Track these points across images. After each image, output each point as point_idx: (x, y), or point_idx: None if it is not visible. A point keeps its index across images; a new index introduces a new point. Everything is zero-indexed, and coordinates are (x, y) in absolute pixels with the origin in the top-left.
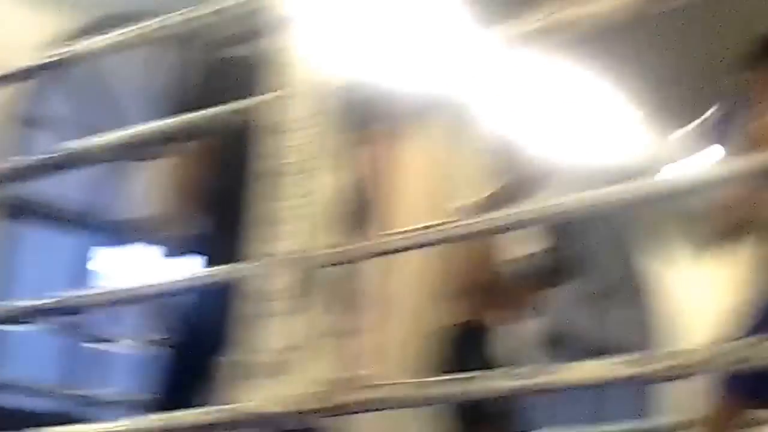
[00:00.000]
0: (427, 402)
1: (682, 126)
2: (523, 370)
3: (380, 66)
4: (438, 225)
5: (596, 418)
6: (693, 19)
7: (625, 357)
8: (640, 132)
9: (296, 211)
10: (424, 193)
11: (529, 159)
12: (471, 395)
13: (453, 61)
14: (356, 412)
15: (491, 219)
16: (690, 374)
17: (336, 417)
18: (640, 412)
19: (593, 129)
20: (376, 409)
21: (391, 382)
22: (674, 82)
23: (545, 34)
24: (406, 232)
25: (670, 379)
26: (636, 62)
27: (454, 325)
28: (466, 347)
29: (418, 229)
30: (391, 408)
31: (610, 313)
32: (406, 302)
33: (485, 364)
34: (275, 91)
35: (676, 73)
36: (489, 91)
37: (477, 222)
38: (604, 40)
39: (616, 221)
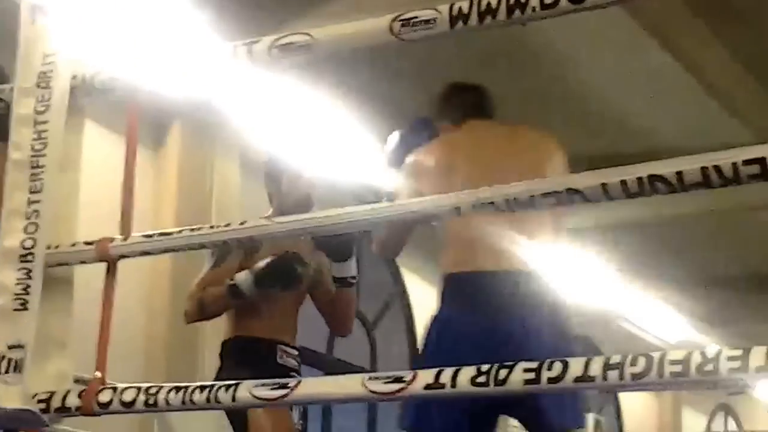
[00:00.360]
0: (155, 408)
1: None
2: (271, 381)
3: (123, 65)
4: (167, 233)
5: (371, 430)
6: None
7: (378, 374)
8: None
9: (26, 207)
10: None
11: (289, 177)
12: (204, 405)
13: (196, 69)
14: (85, 414)
15: (220, 231)
16: (442, 396)
17: (64, 417)
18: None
19: (337, 150)
20: (105, 413)
21: (119, 385)
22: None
23: (284, 54)
24: (134, 237)
25: (427, 398)
26: (376, 89)
27: (229, 338)
28: (239, 360)
29: (147, 235)
30: (118, 412)
31: (376, 330)
32: (137, 308)
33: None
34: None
35: (415, 103)
36: (236, 105)
37: (205, 233)
38: (345, 65)
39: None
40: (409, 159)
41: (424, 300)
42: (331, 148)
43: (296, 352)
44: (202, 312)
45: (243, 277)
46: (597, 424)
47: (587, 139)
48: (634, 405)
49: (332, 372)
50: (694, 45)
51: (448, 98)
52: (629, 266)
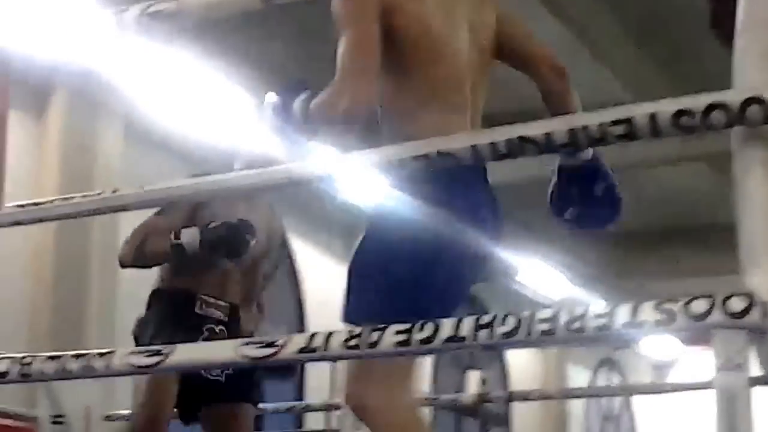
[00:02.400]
0: (30, 379)
1: None
2: (145, 349)
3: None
4: (40, 203)
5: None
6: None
7: (251, 339)
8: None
9: None
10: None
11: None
12: (80, 373)
13: (69, 36)
14: None
15: (100, 198)
16: (315, 359)
17: None
18: (296, 393)
19: (213, 113)
20: None
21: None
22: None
23: (153, 21)
24: (6, 207)
25: (300, 361)
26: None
27: (155, 289)
28: (158, 309)
29: (20, 205)
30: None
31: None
32: (20, 279)
33: (178, 325)
34: None
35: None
36: (118, 73)
37: (78, 202)
38: (219, 29)
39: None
40: None
41: (312, 264)
42: (212, 111)
43: (222, 303)
44: (138, 260)
45: (189, 239)
46: (483, 381)
47: None
48: (520, 361)
49: None
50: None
51: None
52: (514, 225)
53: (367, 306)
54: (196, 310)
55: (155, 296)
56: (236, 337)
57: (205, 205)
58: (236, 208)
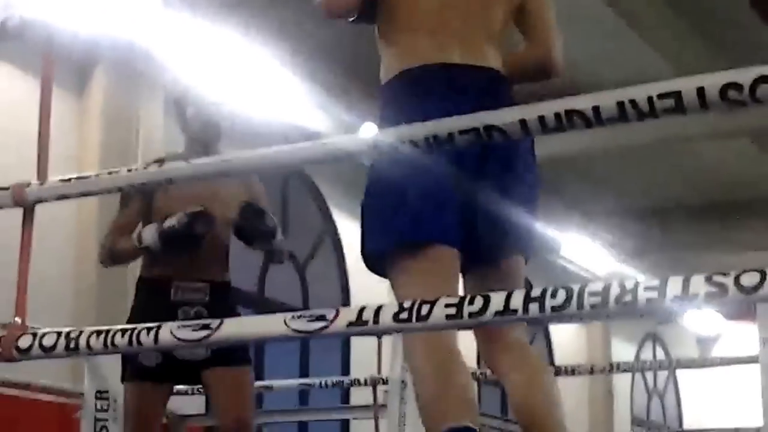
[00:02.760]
0: (77, 353)
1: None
2: (194, 323)
3: None
4: (84, 177)
5: (303, 372)
6: None
7: (301, 312)
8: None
9: None
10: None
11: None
12: (126, 348)
13: (111, 12)
14: (5, 360)
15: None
16: (365, 333)
17: None
18: (343, 367)
19: (258, 91)
20: (25, 358)
21: (39, 330)
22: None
23: None
24: (51, 181)
25: (350, 335)
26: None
27: (140, 278)
28: (139, 300)
29: (65, 179)
30: (39, 357)
31: (307, 269)
32: (65, 253)
33: (154, 313)
34: None
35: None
36: (159, 48)
37: (123, 176)
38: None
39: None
40: None
41: (356, 239)
42: (256, 88)
43: (199, 285)
44: (113, 261)
45: (150, 239)
46: None
47: None
48: (564, 336)
49: (264, 311)
50: None
51: None
52: (558, 201)
53: (369, 234)
54: (172, 298)
55: (138, 284)
56: (226, 316)
57: (162, 189)
58: (195, 189)
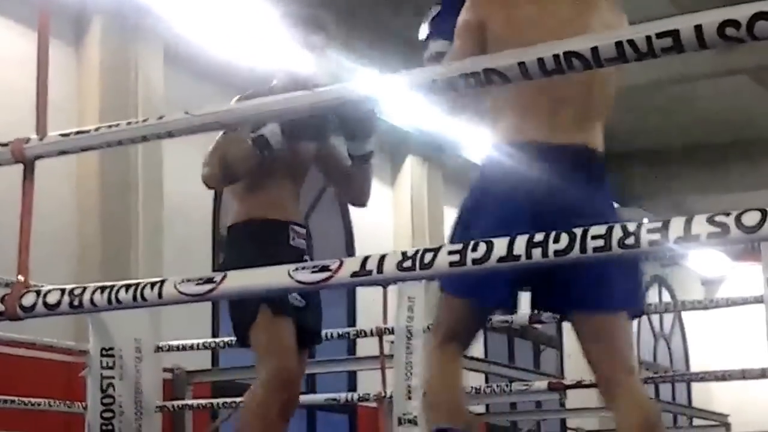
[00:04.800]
0: (81, 310)
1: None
2: (197, 277)
3: None
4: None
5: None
6: None
7: (304, 264)
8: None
9: None
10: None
11: None
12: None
13: None
14: (9, 319)
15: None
16: (369, 283)
17: None
18: (349, 318)
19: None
20: (29, 316)
21: (43, 288)
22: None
23: None
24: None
25: (353, 285)
26: None
27: (237, 222)
28: (251, 243)
29: (64, 134)
30: (43, 315)
31: (310, 219)
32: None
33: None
34: None
35: None
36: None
37: (123, 129)
38: None
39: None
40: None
41: None
42: (253, 36)
43: (304, 231)
44: (224, 171)
45: (270, 127)
46: None
47: None
48: None
49: None
50: None
51: None
52: None
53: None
54: (291, 242)
55: (238, 231)
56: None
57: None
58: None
